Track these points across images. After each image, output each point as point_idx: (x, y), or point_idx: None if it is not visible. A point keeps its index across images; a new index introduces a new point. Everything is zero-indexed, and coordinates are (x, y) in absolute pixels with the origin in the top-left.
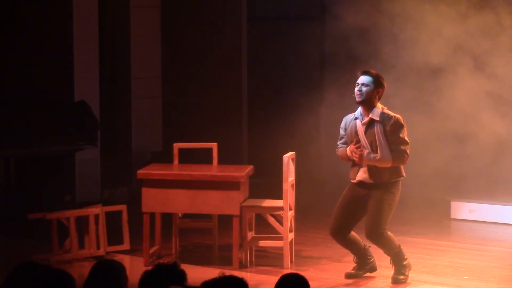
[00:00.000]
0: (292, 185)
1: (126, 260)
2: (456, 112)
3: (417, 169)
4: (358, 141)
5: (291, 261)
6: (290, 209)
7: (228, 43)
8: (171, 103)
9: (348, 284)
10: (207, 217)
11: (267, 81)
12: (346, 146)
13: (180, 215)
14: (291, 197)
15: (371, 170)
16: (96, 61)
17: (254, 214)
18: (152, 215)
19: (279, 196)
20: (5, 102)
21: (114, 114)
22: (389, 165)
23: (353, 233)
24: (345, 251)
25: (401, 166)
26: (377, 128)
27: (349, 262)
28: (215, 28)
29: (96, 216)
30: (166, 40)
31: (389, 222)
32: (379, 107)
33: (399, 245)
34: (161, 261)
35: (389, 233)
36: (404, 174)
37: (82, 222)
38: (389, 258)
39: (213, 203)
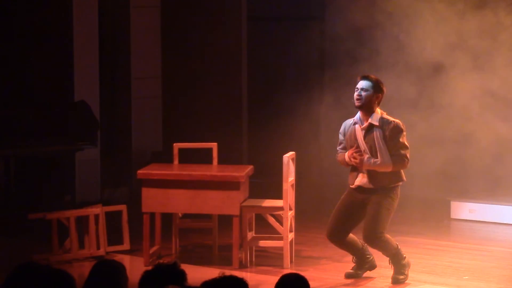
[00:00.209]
0: (292, 185)
1: (126, 260)
2: (456, 112)
3: (417, 169)
4: (358, 146)
5: (291, 261)
6: (290, 209)
7: (228, 43)
8: (171, 103)
9: (348, 284)
10: (207, 217)
11: (267, 81)
12: (345, 151)
13: (180, 215)
14: (291, 197)
15: (371, 175)
16: (96, 61)
17: (254, 214)
18: (152, 215)
19: (279, 196)
20: (5, 102)
21: (114, 114)
22: (389, 169)
23: (350, 234)
24: (344, 251)
25: (401, 171)
26: (377, 133)
27: (349, 262)
28: (215, 28)
29: (96, 216)
30: (166, 40)
31: (387, 227)
32: (379, 112)
33: (397, 245)
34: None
35: (386, 235)
36: (404, 179)
37: (82, 222)
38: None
39: (213, 203)
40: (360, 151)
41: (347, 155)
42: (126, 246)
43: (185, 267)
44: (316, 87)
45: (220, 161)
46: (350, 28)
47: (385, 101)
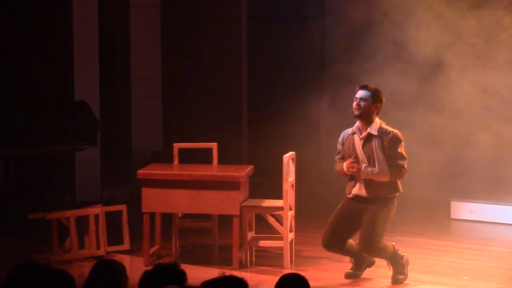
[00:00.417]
0: (292, 185)
1: (126, 260)
2: (456, 112)
3: (417, 169)
4: (356, 156)
5: (291, 261)
6: (290, 209)
7: (228, 43)
8: (171, 103)
9: (348, 284)
10: (207, 217)
11: (267, 81)
12: (343, 161)
13: (180, 215)
14: (291, 197)
15: (368, 184)
16: (96, 61)
17: (254, 214)
18: (152, 215)
19: (279, 196)
20: (5, 101)
21: (114, 114)
22: (386, 179)
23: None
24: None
25: (398, 182)
26: (375, 143)
27: (349, 262)
28: (215, 28)
29: (96, 216)
30: (166, 40)
31: (384, 236)
32: (377, 122)
33: (393, 247)
34: (161, 261)
35: (382, 242)
36: (401, 190)
37: (82, 222)
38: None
39: (213, 203)
40: (357, 161)
41: (345, 165)
42: (126, 246)
43: (185, 267)
44: (316, 87)
45: (220, 161)
46: (349, 28)
47: (385, 101)
